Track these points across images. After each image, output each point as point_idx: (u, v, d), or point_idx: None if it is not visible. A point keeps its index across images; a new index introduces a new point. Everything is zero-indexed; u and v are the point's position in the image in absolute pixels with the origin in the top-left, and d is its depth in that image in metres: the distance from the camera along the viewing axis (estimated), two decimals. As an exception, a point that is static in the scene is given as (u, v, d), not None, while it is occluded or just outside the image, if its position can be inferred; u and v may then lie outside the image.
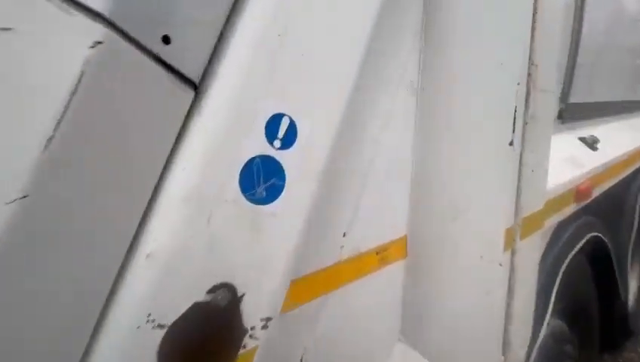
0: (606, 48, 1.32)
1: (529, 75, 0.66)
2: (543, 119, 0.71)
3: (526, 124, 0.67)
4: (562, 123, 1.15)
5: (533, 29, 0.64)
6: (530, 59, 0.65)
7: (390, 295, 0.67)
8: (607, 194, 1.40)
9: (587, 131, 1.26)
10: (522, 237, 0.70)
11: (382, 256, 0.63)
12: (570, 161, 1.05)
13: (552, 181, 0.91)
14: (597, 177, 1.11)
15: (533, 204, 0.73)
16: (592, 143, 1.20)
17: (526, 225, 0.71)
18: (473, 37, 0.63)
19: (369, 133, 0.58)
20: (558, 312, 1.19)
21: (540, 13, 0.65)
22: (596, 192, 1.13)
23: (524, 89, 0.65)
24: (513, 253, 0.69)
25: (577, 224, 1.09)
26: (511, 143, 0.63)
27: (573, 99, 1.15)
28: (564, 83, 1.08)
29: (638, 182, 1.69)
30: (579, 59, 1.11)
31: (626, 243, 1.57)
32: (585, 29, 1.07)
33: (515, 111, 0.63)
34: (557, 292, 0.96)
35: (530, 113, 0.68)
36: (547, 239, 0.92)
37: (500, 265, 0.64)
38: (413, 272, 0.68)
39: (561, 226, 0.99)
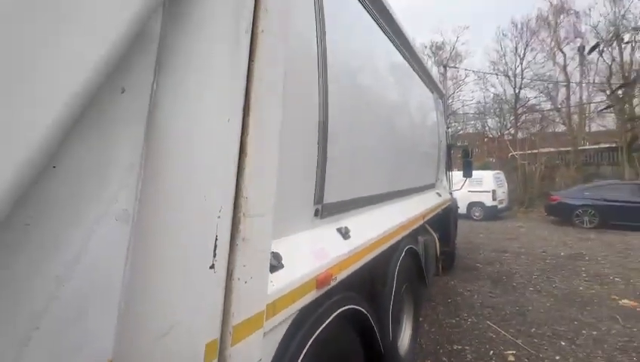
0: (358, 153, 1.80)
1: (240, 201, 0.83)
2: (256, 238, 0.89)
3: (236, 245, 0.83)
4: (320, 219, 1.46)
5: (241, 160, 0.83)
6: (238, 185, 0.83)
7: None
8: (365, 271, 1.82)
9: (345, 222, 1.64)
10: (235, 342, 0.82)
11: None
12: (319, 253, 1.31)
13: (295, 273, 1.13)
14: (344, 262, 1.43)
15: (249, 309, 0.86)
16: (345, 233, 1.56)
17: (239, 331, 0.83)
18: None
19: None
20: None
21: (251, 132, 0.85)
22: (344, 274, 1.44)
23: (229, 217, 0.81)
24: (223, 360, 0.79)
25: (330, 302, 1.34)
26: (212, 267, 0.75)
27: (328, 200, 1.49)
28: (316, 189, 1.38)
29: (395, 258, 2.26)
30: (330, 168, 1.46)
31: (387, 309, 2.01)
32: (331, 142, 1.44)
33: (217, 239, 0.76)
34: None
35: (242, 236, 0.84)
36: (287, 325, 1.08)
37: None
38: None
39: (309, 308, 1.19)
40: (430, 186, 4.00)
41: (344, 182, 1.66)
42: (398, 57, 2.65)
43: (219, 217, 0.77)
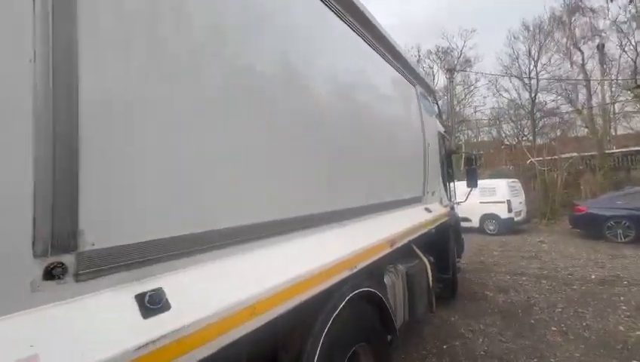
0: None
1: None
2: None
3: None
4: (76, 281, 0.73)
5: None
6: None
7: None
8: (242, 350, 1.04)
9: (170, 279, 0.91)
10: None
11: None
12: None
13: None
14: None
15: None
16: (153, 305, 0.82)
17: None
18: None
19: None
20: None
21: None
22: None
23: None
24: None
25: None
26: None
27: (103, 242, 0.76)
28: (38, 224, 0.67)
29: (325, 315, 1.48)
30: (102, 178, 0.74)
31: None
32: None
33: None
34: None
35: None
36: None
37: None
38: None
39: None
40: (414, 200, 3.19)
41: (164, 204, 0.91)
42: (337, 23, 1.94)
43: None
